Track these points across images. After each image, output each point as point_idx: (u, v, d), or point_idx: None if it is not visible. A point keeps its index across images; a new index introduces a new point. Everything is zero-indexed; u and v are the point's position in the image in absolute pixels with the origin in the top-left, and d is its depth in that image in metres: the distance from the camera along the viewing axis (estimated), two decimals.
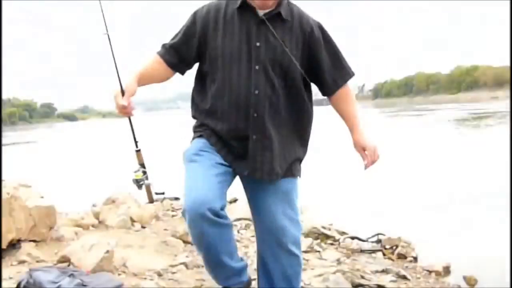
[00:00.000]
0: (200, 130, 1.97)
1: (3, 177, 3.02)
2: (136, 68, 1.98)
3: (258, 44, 1.84)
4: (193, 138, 1.98)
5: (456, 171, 8.01)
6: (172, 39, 2.01)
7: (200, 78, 1.99)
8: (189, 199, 1.78)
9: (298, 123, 1.96)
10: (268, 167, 1.88)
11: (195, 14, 1.96)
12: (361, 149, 1.94)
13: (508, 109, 22.19)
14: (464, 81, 78.99)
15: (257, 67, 1.84)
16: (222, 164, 1.88)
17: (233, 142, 1.89)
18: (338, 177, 7.42)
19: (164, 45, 2.00)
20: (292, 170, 1.96)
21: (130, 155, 2.04)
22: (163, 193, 2.20)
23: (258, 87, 1.85)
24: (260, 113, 1.85)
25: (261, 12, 1.86)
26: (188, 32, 1.95)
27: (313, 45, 1.90)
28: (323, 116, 1.95)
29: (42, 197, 3.29)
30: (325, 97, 2.04)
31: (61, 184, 7.64)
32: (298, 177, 2.01)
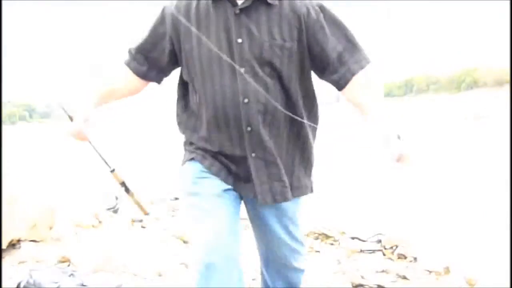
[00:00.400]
0: (190, 149, 1.67)
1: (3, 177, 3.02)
2: (97, 84, 1.71)
3: (239, 40, 1.50)
4: (184, 159, 1.69)
5: (456, 171, 8.02)
6: (138, 42, 1.66)
7: (182, 87, 1.68)
8: (200, 249, 1.48)
9: (297, 130, 1.63)
10: (278, 187, 1.60)
11: (163, 11, 1.61)
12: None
13: (508, 109, 22.19)
14: (464, 81, 79.02)
15: (243, 70, 1.50)
16: (225, 190, 1.60)
17: (229, 162, 1.60)
18: (338, 176, 7.43)
19: (130, 51, 1.67)
20: (301, 187, 1.68)
21: (131, 152, 1.99)
22: (141, 221, 2.01)
23: (247, 94, 1.51)
24: (254, 126, 1.53)
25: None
26: (156, 33, 1.61)
27: (312, 29, 1.53)
28: (323, 112, 1.80)
29: (42, 197, 3.29)
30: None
31: (62, 184, 7.65)
32: (309, 193, 1.73)
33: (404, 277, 3.18)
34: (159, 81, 1.71)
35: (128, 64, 1.66)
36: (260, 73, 1.51)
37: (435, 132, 17.35)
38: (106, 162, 1.72)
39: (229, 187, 1.61)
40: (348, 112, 1.76)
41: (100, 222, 3.98)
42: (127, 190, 1.77)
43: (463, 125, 20.49)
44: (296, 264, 1.79)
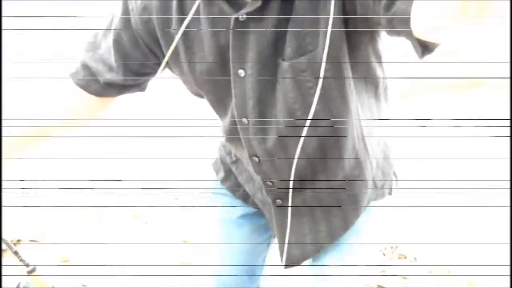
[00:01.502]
0: (219, 151, 1.28)
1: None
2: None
3: (241, 72, 0.91)
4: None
5: (456, 171, 8.02)
6: (93, 47, 1.04)
7: None
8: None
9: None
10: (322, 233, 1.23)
11: (125, 5, 1.01)
12: None
13: (508, 109, 22.17)
14: (464, 81, 79.27)
15: (245, 121, 0.97)
16: (244, 215, 1.24)
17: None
18: None
19: (84, 66, 1.05)
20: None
21: (130, 150, 1.95)
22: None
23: (254, 149, 1.01)
24: (274, 179, 1.08)
25: None
26: (121, 42, 1.00)
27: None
28: None
29: (41, 197, 3.29)
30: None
31: (61, 182, 7.63)
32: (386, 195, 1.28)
33: (404, 277, 3.18)
34: (142, 89, 1.13)
35: (84, 86, 1.06)
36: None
37: (435, 132, 17.34)
38: (21, 259, 1.21)
39: (250, 210, 1.23)
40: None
41: (100, 222, 3.98)
42: None
43: (463, 125, 20.49)
44: None
